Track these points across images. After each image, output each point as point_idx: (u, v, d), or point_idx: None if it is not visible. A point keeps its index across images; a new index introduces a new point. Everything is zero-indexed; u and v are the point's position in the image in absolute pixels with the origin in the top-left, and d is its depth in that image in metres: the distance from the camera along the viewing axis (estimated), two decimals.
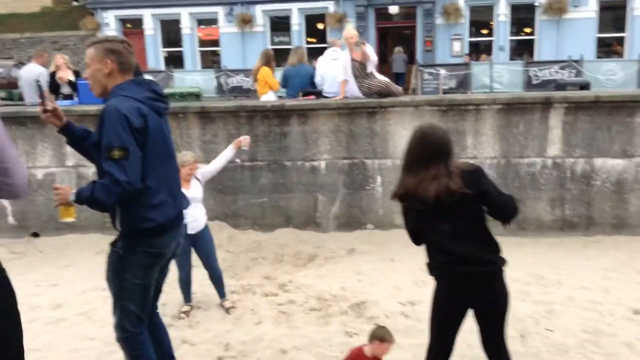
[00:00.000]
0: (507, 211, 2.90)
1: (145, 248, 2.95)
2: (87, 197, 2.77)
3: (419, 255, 6.51)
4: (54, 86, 9.28)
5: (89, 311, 5.13)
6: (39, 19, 24.25)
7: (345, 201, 7.59)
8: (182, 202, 3.18)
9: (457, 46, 20.76)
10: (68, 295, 5.58)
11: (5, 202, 7.90)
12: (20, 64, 18.94)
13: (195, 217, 4.74)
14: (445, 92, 16.19)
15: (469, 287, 2.85)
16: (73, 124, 3.11)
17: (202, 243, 4.92)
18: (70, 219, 3.01)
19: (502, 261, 2.91)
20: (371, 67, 7.47)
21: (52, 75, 9.38)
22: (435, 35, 20.62)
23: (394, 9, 20.41)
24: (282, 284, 5.70)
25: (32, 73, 9.59)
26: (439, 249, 2.91)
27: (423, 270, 6.01)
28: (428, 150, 2.78)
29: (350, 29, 7.63)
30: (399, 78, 20.40)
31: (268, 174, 7.60)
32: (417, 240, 3.08)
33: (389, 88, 7.39)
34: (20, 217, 7.91)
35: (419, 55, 20.38)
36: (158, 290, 3.35)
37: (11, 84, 17.64)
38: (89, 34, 22.23)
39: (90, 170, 7.80)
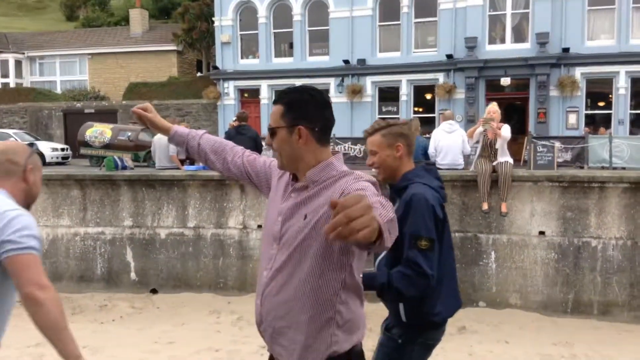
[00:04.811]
0: None
1: (425, 340, 2.82)
2: (382, 284, 2.62)
3: (538, 339, 6.16)
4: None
5: None
6: (166, 88, 26.36)
7: None
8: (459, 295, 3.00)
9: (572, 118, 20.00)
10: (183, 354, 5.76)
11: (130, 259, 8.43)
12: (147, 129, 20.57)
13: None
14: (559, 165, 15.55)
15: None
16: None
17: None
18: None
19: None
20: (501, 143, 7.34)
21: None
22: (549, 107, 20.07)
23: (505, 81, 20.16)
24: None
25: (164, 139, 10.37)
26: None
27: (543, 357, 5.67)
28: None
29: (494, 105, 7.53)
30: None
31: None
32: None
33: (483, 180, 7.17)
34: (141, 274, 8.39)
35: (532, 127, 19.83)
36: None
37: (138, 147, 19.13)
38: (211, 102, 23.83)
39: (208, 232, 8.17)
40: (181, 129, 2.40)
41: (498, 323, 6.73)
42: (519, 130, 20.50)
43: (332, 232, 1.32)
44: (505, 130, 7.37)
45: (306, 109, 1.99)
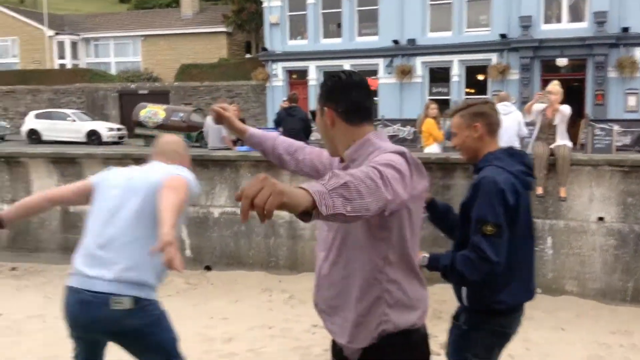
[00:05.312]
0: None
1: (493, 327, 2.74)
2: (445, 266, 2.59)
3: (595, 327, 6.02)
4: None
5: (258, 348, 5.36)
6: (216, 70, 26.70)
7: None
8: (534, 287, 2.87)
9: (632, 101, 19.28)
10: (237, 330, 5.89)
11: (184, 236, 8.63)
12: (198, 110, 20.90)
13: None
14: (618, 149, 15.04)
15: None
16: (436, 200, 2.98)
17: None
18: None
19: None
20: (560, 120, 7.12)
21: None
22: (607, 89, 19.37)
23: (562, 62, 19.55)
24: (443, 344, 5.54)
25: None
26: None
27: (600, 345, 5.55)
28: None
29: (555, 85, 7.26)
30: None
31: (429, 227, 7.52)
32: None
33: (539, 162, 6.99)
34: (196, 251, 8.58)
35: (589, 109, 19.21)
36: None
37: (190, 128, 19.48)
38: (260, 83, 23.99)
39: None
40: (256, 131, 2.55)
41: (554, 310, 6.60)
42: (576, 113, 19.88)
43: (244, 218, 1.41)
44: (565, 107, 7.12)
45: (332, 92, 2.09)
